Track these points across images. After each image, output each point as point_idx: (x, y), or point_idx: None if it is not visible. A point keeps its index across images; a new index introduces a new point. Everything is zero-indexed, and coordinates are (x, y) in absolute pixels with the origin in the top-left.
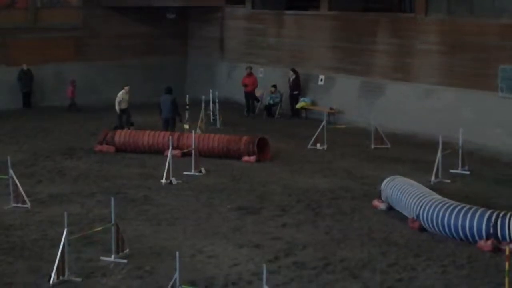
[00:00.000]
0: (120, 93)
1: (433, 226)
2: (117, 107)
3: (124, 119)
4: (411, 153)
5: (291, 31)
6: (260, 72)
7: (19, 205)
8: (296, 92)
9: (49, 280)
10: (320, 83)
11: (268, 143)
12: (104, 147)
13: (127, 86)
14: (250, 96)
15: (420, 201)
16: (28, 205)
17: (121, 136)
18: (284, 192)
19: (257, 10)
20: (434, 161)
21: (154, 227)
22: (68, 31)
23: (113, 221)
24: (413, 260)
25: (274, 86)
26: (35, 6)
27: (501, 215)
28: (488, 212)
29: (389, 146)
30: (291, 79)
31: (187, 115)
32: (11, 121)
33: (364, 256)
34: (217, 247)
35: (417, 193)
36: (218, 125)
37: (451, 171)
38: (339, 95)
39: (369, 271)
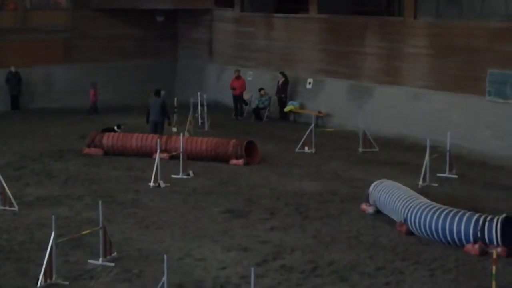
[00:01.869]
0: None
1: (420, 229)
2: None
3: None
4: (399, 156)
5: (280, 34)
6: (248, 75)
7: (7, 207)
8: (283, 96)
9: (37, 283)
10: (308, 86)
11: (256, 146)
12: (92, 150)
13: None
14: (239, 99)
15: (408, 205)
16: (16, 207)
17: (109, 139)
18: (272, 195)
19: (246, 13)
20: (422, 165)
21: (142, 230)
22: (57, 33)
23: (101, 224)
24: (401, 264)
25: (262, 89)
26: (25, 7)
27: (488, 218)
28: (476, 216)
29: (377, 149)
30: (280, 82)
31: (175, 117)
32: None
33: (352, 260)
34: (205, 250)
35: (404, 197)
36: (206, 128)
37: (439, 174)
38: (328, 98)
39: (357, 274)
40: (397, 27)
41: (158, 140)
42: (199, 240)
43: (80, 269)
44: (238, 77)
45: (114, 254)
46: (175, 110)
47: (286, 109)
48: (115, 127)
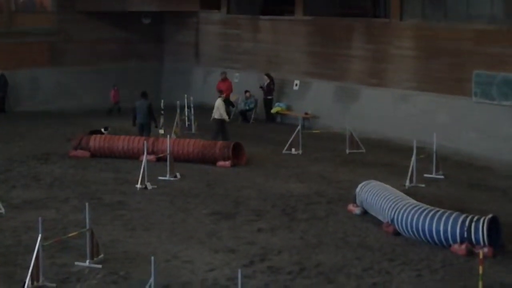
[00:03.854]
0: (218, 101)
1: (407, 230)
2: (217, 116)
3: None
4: (386, 157)
5: (266, 36)
6: (235, 77)
7: None
8: (270, 97)
9: (24, 286)
10: (295, 88)
11: (243, 148)
12: (79, 152)
13: (223, 93)
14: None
15: (395, 206)
16: (3, 210)
17: (96, 141)
18: (259, 197)
19: (233, 15)
20: (409, 166)
21: (129, 232)
22: (43, 36)
23: (87, 227)
24: (388, 264)
25: (247, 91)
26: (10, 10)
27: (475, 219)
28: (462, 216)
29: (364, 150)
30: (265, 84)
31: (162, 120)
32: None
33: (339, 261)
34: (192, 252)
35: (391, 198)
36: (193, 130)
37: (426, 175)
38: (314, 100)
39: (344, 275)
40: (383, 29)
41: (145, 142)
42: (186, 242)
43: (67, 271)
44: (224, 79)
45: (101, 256)
46: (162, 112)
47: (273, 110)
48: (103, 129)
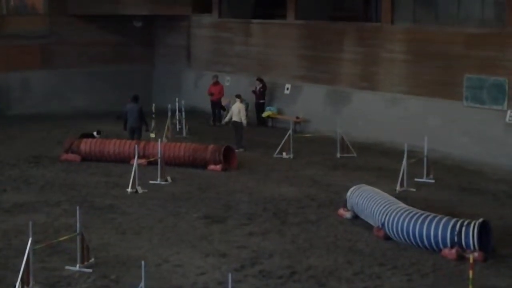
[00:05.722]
0: (238, 105)
1: (398, 234)
2: (237, 119)
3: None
4: (377, 161)
5: (258, 39)
6: (226, 80)
7: None
8: (262, 101)
9: None
10: (286, 92)
11: (234, 152)
12: (70, 156)
13: (238, 97)
14: (217, 105)
15: (385, 210)
16: None
17: (87, 145)
18: (250, 200)
19: (224, 19)
20: (400, 170)
21: (120, 236)
22: (34, 39)
23: (78, 230)
24: (378, 269)
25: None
26: (1, 13)
27: (465, 223)
28: (453, 221)
29: (355, 154)
30: (258, 88)
31: (153, 123)
32: None
33: (330, 265)
34: (183, 256)
35: (382, 202)
36: (184, 134)
37: (416, 179)
38: (306, 103)
39: (335, 279)
40: (374, 33)
41: (136, 146)
42: (177, 246)
43: (57, 275)
44: (216, 83)
45: (92, 260)
46: (153, 115)
47: (264, 114)
48: (95, 133)
